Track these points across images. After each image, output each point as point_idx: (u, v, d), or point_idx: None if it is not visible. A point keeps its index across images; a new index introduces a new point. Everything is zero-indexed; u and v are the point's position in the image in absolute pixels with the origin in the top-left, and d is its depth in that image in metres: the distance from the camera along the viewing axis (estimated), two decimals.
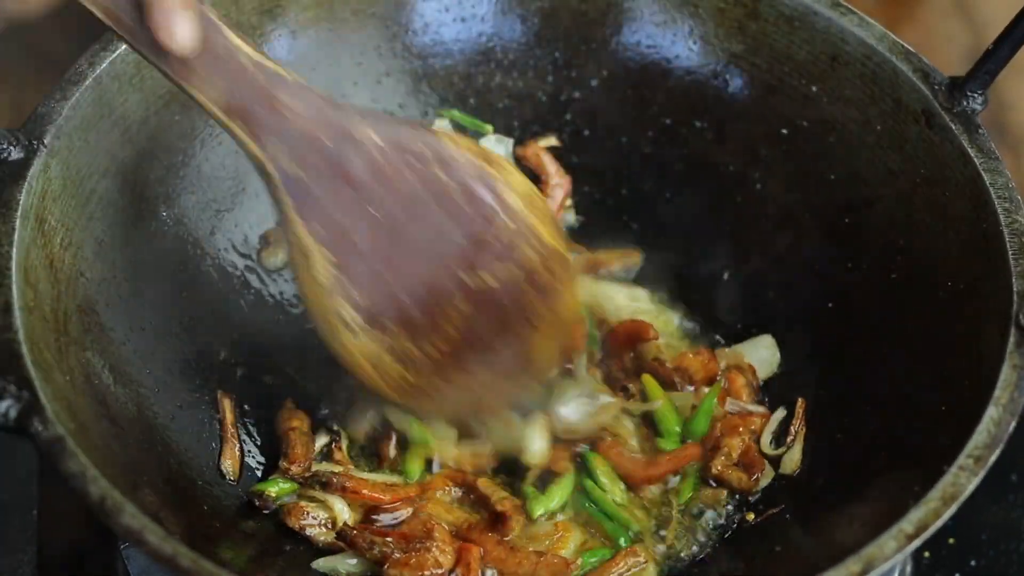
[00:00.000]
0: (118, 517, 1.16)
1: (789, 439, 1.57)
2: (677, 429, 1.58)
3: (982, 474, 1.24)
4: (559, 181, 1.77)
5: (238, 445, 1.55)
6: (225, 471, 1.53)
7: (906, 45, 1.54)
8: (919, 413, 1.41)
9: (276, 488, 1.51)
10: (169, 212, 1.58)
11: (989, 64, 1.45)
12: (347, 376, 1.45)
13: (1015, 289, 1.35)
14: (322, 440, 1.58)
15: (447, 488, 1.54)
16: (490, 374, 1.51)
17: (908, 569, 1.63)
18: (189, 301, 1.59)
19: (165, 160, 1.57)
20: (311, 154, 1.34)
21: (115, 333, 1.45)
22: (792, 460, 1.56)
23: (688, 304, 1.73)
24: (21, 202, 1.34)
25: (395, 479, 1.55)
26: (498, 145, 1.74)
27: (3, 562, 1.55)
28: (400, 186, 1.37)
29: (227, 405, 1.57)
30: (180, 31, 1.22)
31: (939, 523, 1.22)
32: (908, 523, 1.21)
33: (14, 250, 1.31)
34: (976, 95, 1.48)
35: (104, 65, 1.46)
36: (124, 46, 1.47)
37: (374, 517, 1.49)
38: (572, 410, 1.57)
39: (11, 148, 1.36)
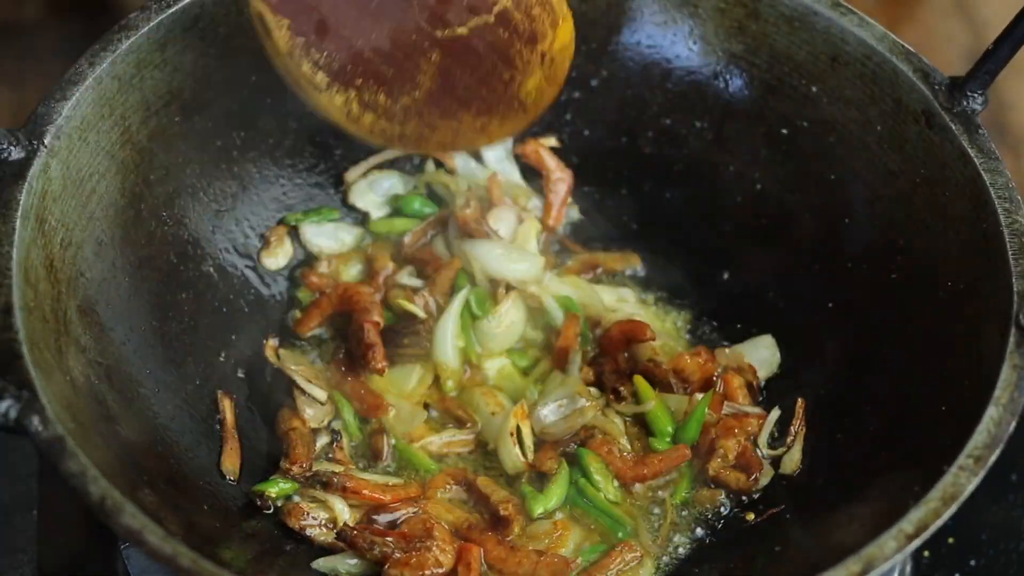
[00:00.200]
0: (118, 517, 1.16)
1: (789, 439, 1.57)
2: (670, 429, 1.58)
3: (982, 474, 1.25)
4: (561, 175, 1.77)
5: (238, 445, 1.55)
6: (225, 471, 1.53)
7: (906, 45, 1.54)
8: (919, 413, 1.41)
9: (276, 488, 1.50)
10: (169, 212, 1.58)
11: (989, 64, 1.45)
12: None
13: (1015, 289, 1.35)
14: (323, 440, 1.58)
15: (448, 487, 1.54)
16: (472, 115, 1.53)
17: (908, 569, 1.63)
18: (189, 301, 1.59)
19: (165, 160, 1.57)
20: None
21: (115, 333, 1.45)
22: (792, 460, 1.56)
23: (688, 304, 1.73)
24: (21, 202, 1.34)
25: (396, 479, 1.55)
26: (496, 144, 1.75)
27: (3, 562, 1.55)
28: None
29: (227, 405, 1.57)
30: None
31: (939, 523, 1.22)
32: (908, 523, 1.21)
33: (14, 250, 1.31)
34: (976, 95, 1.48)
35: (104, 65, 1.46)
36: (124, 46, 1.47)
37: (374, 517, 1.49)
38: (551, 411, 1.57)
39: (11, 148, 1.36)
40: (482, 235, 1.68)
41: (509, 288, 1.66)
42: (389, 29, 1.44)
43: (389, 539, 1.45)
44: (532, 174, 1.78)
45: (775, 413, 1.59)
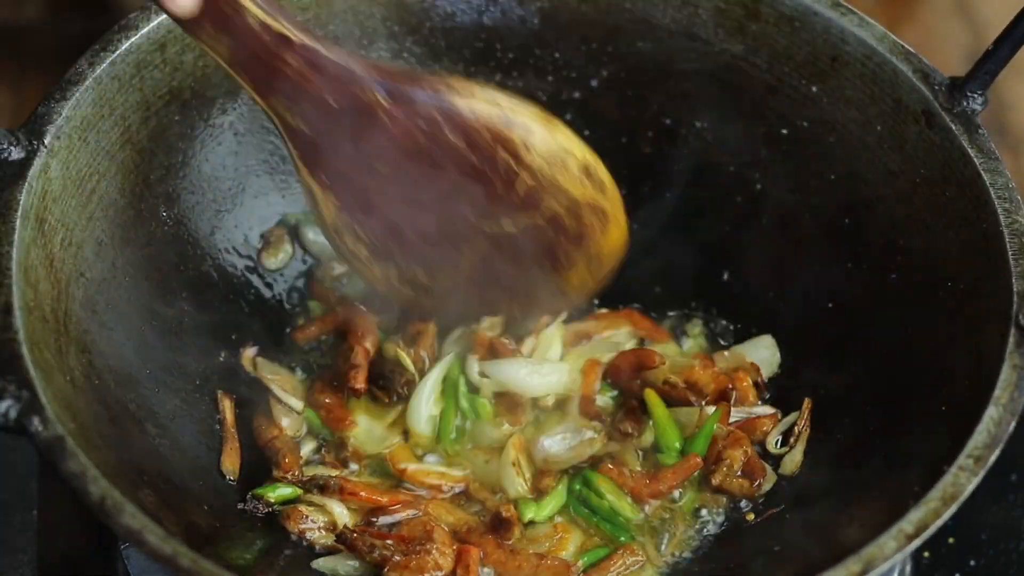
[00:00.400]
0: (118, 517, 1.16)
1: (792, 439, 1.57)
2: (677, 445, 1.56)
3: (982, 474, 1.24)
4: None
5: (238, 445, 1.55)
6: (225, 471, 1.53)
7: (906, 45, 1.54)
8: (919, 413, 1.41)
9: (275, 493, 1.50)
10: (169, 212, 1.58)
11: (989, 64, 1.45)
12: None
13: (1015, 289, 1.35)
14: (309, 445, 1.57)
15: (448, 488, 1.54)
16: (511, 300, 1.58)
17: (908, 569, 1.63)
18: (189, 301, 1.59)
19: (165, 160, 1.57)
20: (315, 113, 1.36)
21: (115, 333, 1.45)
22: (793, 461, 1.56)
23: (687, 304, 1.73)
24: (21, 202, 1.34)
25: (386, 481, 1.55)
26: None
27: (3, 562, 1.55)
28: (408, 144, 1.39)
29: (227, 405, 1.57)
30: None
31: (939, 523, 1.22)
32: (908, 523, 1.21)
33: (14, 250, 1.31)
34: (976, 95, 1.48)
35: (104, 65, 1.46)
36: (124, 46, 1.47)
37: (373, 519, 1.49)
38: (555, 442, 1.56)
39: (11, 148, 1.36)
40: (508, 354, 1.61)
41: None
42: (436, 219, 1.46)
43: (389, 541, 1.45)
44: None
45: (792, 416, 1.58)
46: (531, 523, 1.50)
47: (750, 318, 1.69)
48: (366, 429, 1.59)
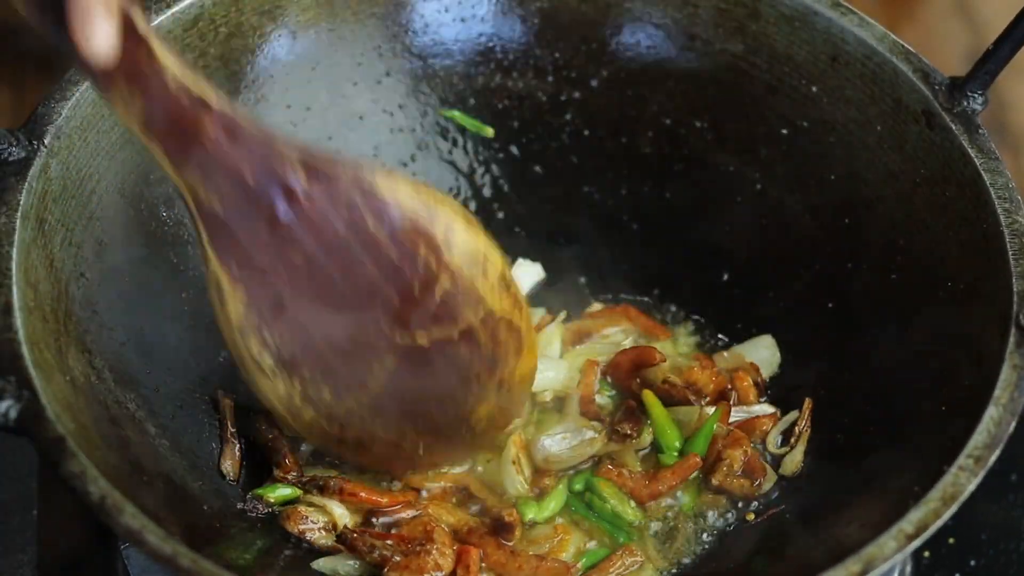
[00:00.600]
0: (118, 517, 1.16)
1: (793, 439, 1.57)
2: (677, 445, 1.56)
3: (982, 474, 1.24)
4: None
5: (238, 445, 1.55)
6: (225, 471, 1.53)
7: (906, 45, 1.54)
8: (919, 413, 1.41)
9: (275, 493, 1.50)
10: (169, 212, 1.58)
11: (989, 64, 1.45)
12: None
13: (1015, 289, 1.35)
14: (309, 446, 1.57)
15: (446, 488, 1.54)
16: (417, 433, 1.46)
17: (908, 569, 1.63)
18: (189, 301, 1.59)
19: None
20: (231, 190, 1.26)
21: (115, 333, 1.45)
22: (794, 461, 1.56)
23: (688, 304, 1.73)
24: (21, 202, 1.34)
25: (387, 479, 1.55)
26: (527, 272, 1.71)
27: (3, 562, 1.55)
28: (327, 232, 1.30)
29: (227, 405, 1.57)
30: (95, 37, 1.14)
31: (939, 523, 1.22)
32: (908, 523, 1.21)
33: (14, 250, 1.31)
34: (976, 95, 1.48)
35: None
36: None
37: (374, 520, 1.49)
38: (555, 442, 1.56)
39: (11, 148, 1.36)
40: None
41: None
42: (348, 324, 1.34)
43: (389, 542, 1.45)
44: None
45: (792, 414, 1.58)
46: (532, 524, 1.50)
47: (750, 318, 1.69)
48: None
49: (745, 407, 1.60)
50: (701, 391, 1.59)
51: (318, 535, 1.48)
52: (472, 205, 1.77)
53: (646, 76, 1.71)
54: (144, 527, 1.16)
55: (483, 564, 1.46)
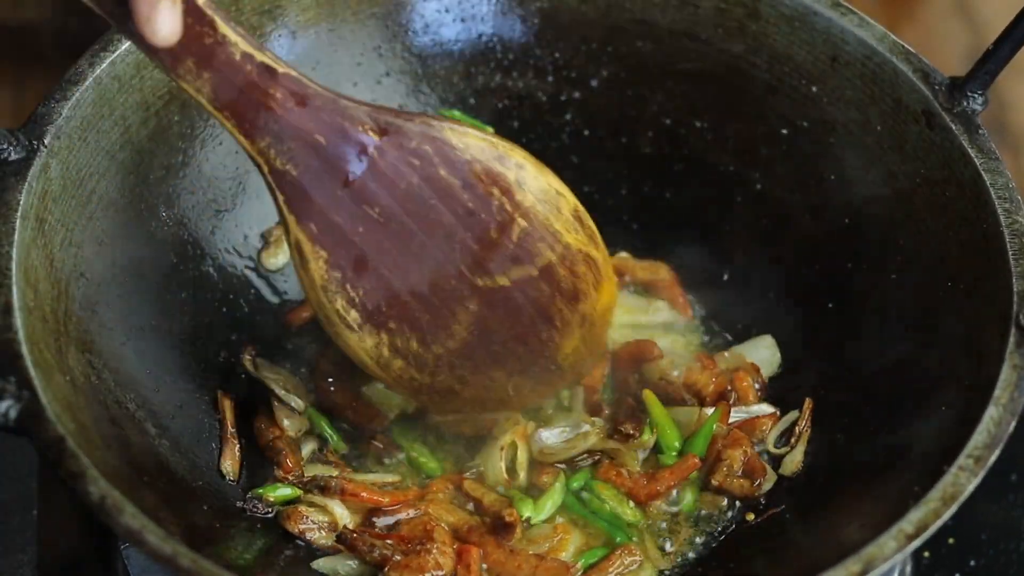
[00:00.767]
0: (118, 517, 1.16)
1: (793, 439, 1.57)
2: (677, 445, 1.56)
3: (982, 474, 1.24)
4: None
5: (238, 445, 1.55)
6: (225, 471, 1.53)
7: (906, 45, 1.54)
8: (919, 413, 1.41)
9: (275, 493, 1.50)
10: (169, 212, 1.58)
11: (989, 64, 1.45)
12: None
13: (1015, 289, 1.35)
14: (309, 446, 1.57)
15: (447, 489, 1.54)
16: (506, 374, 1.48)
17: (908, 569, 1.63)
18: (189, 301, 1.59)
19: (165, 160, 1.57)
20: (303, 152, 1.29)
21: (115, 333, 1.45)
22: (793, 461, 1.56)
23: (687, 304, 1.73)
24: (21, 202, 1.34)
25: (392, 477, 1.55)
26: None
27: (3, 562, 1.55)
28: (401, 185, 1.33)
29: (227, 405, 1.57)
30: (159, 22, 1.17)
31: (939, 523, 1.22)
32: (908, 523, 1.21)
33: (14, 250, 1.31)
34: (976, 95, 1.48)
35: (104, 65, 1.46)
36: (124, 47, 1.47)
37: (374, 519, 1.49)
38: (553, 434, 1.56)
39: (11, 148, 1.36)
40: None
41: None
42: (429, 272, 1.38)
43: (389, 542, 1.45)
44: None
45: (792, 414, 1.58)
46: (529, 523, 1.50)
47: (750, 318, 1.69)
48: (382, 389, 1.59)
49: (745, 407, 1.60)
50: (700, 392, 1.59)
51: (318, 535, 1.48)
52: None
53: (646, 76, 1.71)
54: (144, 527, 1.16)
55: (483, 563, 1.46)
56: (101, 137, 1.47)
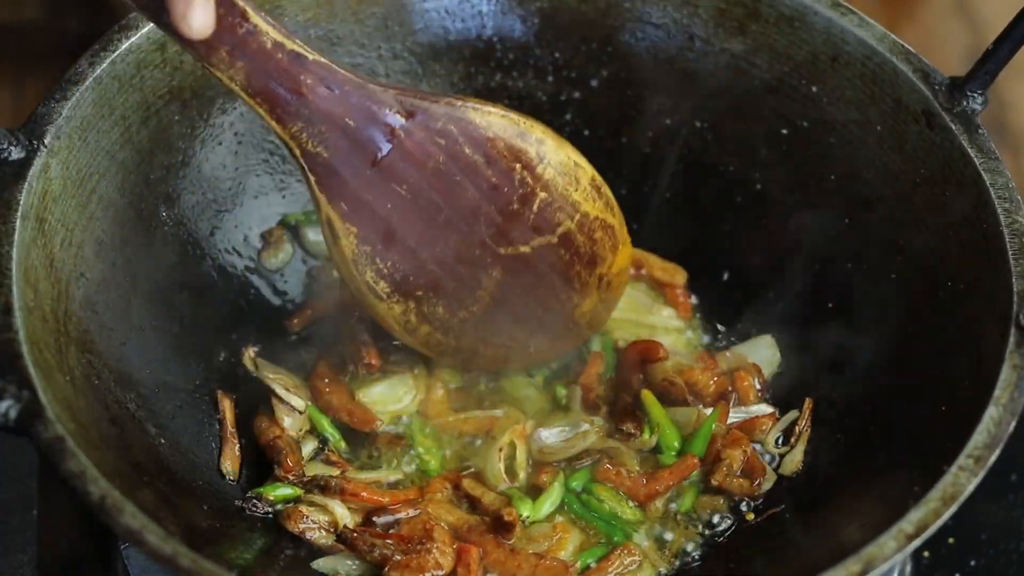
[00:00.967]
0: (118, 517, 1.16)
1: (793, 439, 1.57)
2: (676, 445, 1.56)
3: (982, 474, 1.24)
4: None
5: (238, 445, 1.55)
6: (225, 471, 1.53)
7: (906, 45, 1.54)
8: (919, 413, 1.41)
9: (275, 492, 1.50)
10: (169, 212, 1.58)
11: (989, 64, 1.45)
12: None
13: (1015, 289, 1.35)
14: (310, 445, 1.58)
15: (446, 488, 1.54)
16: (527, 333, 1.56)
17: (908, 569, 1.63)
18: (189, 301, 1.59)
19: (165, 160, 1.57)
20: (334, 134, 1.35)
21: (115, 333, 1.45)
22: (793, 461, 1.56)
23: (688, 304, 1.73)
24: (21, 202, 1.34)
25: (394, 474, 1.55)
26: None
27: (3, 562, 1.55)
28: (427, 164, 1.39)
29: (227, 405, 1.57)
30: (193, 16, 1.22)
31: (939, 523, 1.22)
32: (908, 523, 1.21)
33: (14, 250, 1.31)
34: (976, 95, 1.48)
35: (104, 65, 1.46)
36: (124, 46, 1.47)
37: (374, 519, 1.49)
38: (552, 434, 1.56)
39: (11, 148, 1.36)
40: None
41: None
42: (454, 244, 1.45)
43: (389, 541, 1.45)
44: None
45: (792, 414, 1.58)
46: (527, 522, 1.50)
47: (750, 318, 1.69)
48: (382, 393, 1.61)
49: (745, 407, 1.60)
50: (701, 392, 1.59)
51: (319, 535, 1.48)
52: None
53: (646, 76, 1.71)
54: (144, 527, 1.16)
55: (482, 562, 1.46)
56: (101, 137, 1.47)
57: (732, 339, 1.70)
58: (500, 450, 1.54)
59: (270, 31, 1.29)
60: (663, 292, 1.73)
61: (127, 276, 1.50)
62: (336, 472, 1.54)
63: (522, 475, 1.55)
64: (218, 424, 1.56)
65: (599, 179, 1.51)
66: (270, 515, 1.49)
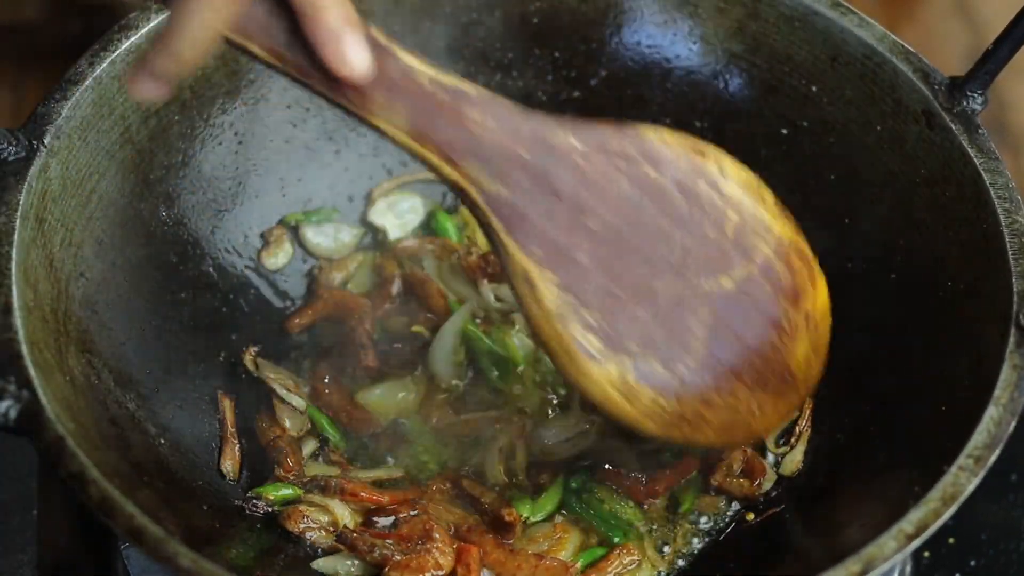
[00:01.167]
0: (118, 517, 1.16)
1: (793, 439, 1.57)
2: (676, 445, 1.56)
3: (982, 474, 1.24)
4: None
5: (238, 445, 1.55)
6: (225, 471, 1.53)
7: (906, 45, 1.54)
8: (919, 413, 1.41)
9: (275, 492, 1.50)
10: (169, 212, 1.58)
11: (989, 64, 1.45)
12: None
13: (1015, 289, 1.35)
14: (311, 446, 1.58)
15: (446, 488, 1.54)
16: (748, 390, 1.37)
17: (908, 569, 1.63)
18: (189, 301, 1.59)
19: (165, 160, 1.57)
20: (512, 169, 1.24)
21: (115, 333, 1.45)
22: (793, 461, 1.56)
23: None
24: (21, 202, 1.34)
25: (395, 471, 1.55)
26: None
27: (3, 562, 1.55)
28: (612, 191, 1.28)
29: (227, 405, 1.57)
30: (352, 55, 1.14)
31: (939, 523, 1.22)
32: (908, 523, 1.21)
33: (14, 250, 1.31)
34: (976, 95, 1.48)
35: (104, 65, 1.46)
36: (124, 46, 1.47)
37: (374, 519, 1.49)
38: (552, 434, 1.57)
39: (11, 148, 1.36)
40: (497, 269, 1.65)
41: None
42: (656, 283, 1.30)
43: (389, 541, 1.45)
44: None
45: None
46: (528, 522, 1.50)
47: None
48: (381, 396, 1.61)
49: None
50: None
51: (319, 535, 1.48)
52: None
53: (646, 76, 1.71)
54: (144, 527, 1.16)
55: (482, 562, 1.46)
56: (101, 137, 1.47)
57: None
58: (500, 450, 1.54)
59: (424, 68, 1.20)
60: None
61: (127, 276, 1.50)
62: (336, 472, 1.54)
63: (521, 475, 1.55)
64: (218, 424, 1.56)
65: (780, 202, 1.38)
66: (270, 515, 1.49)
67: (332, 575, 1.45)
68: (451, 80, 1.22)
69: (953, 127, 1.47)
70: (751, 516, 1.54)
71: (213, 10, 1.10)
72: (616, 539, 1.50)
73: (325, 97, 1.19)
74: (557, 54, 1.73)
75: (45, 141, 1.39)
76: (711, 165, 1.31)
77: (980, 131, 1.46)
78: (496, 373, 1.62)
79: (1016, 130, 2.34)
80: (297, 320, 1.67)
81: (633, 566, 1.48)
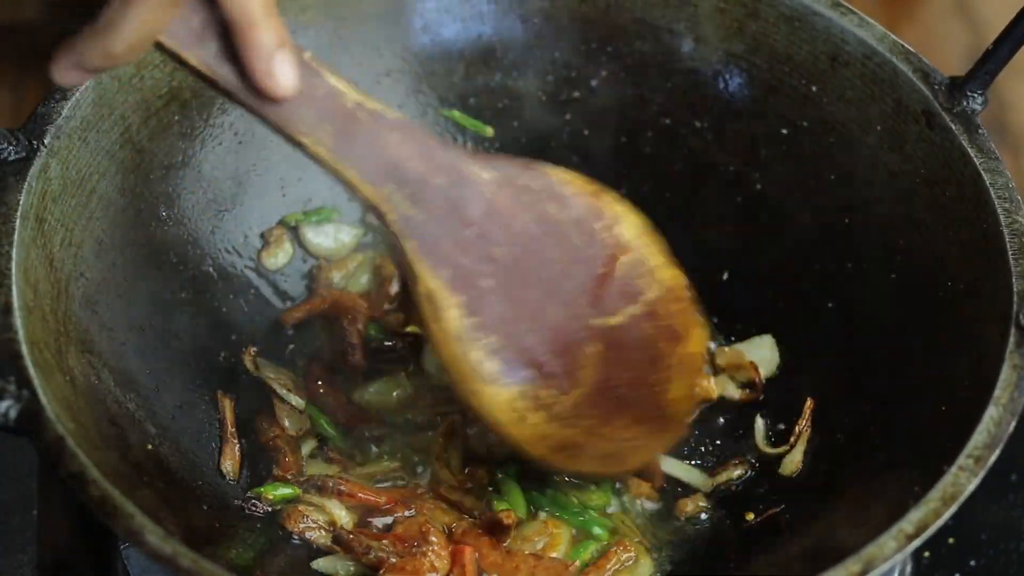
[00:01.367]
0: (118, 517, 1.16)
1: (793, 439, 1.57)
2: None
3: (982, 474, 1.24)
4: None
5: (238, 445, 1.55)
6: (225, 471, 1.53)
7: (906, 45, 1.54)
8: (919, 413, 1.41)
9: (274, 492, 1.50)
10: (169, 212, 1.58)
11: (989, 64, 1.45)
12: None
13: (1015, 289, 1.35)
14: (309, 445, 1.58)
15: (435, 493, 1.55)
16: (626, 424, 1.44)
17: (908, 569, 1.63)
18: (189, 301, 1.59)
19: (165, 160, 1.57)
20: (427, 194, 1.30)
21: (115, 333, 1.45)
22: (793, 461, 1.56)
23: None
24: (21, 202, 1.34)
25: (391, 464, 1.55)
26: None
27: (3, 562, 1.55)
28: (516, 224, 1.34)
29: (227, 405, 1.57)
30: (280, 73, 1.18)
31: (939, 523, 1.22)
32: (908, 523, 1.21)
33: (14, 250, 1.31)
34: (976, 95, 1.48)
35: None
36: None
37: (370, 520, 1.49)
38: (478, 432, 1.56)
39: (11, 148, 1.36)
40: None
41: None
42: (552, 314, 1.36)
43: (385, 543, 1.45)
44: None
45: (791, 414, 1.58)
46: (518, 521, 1.50)
47: (750, 318, 1.69)
48: (376, 393, 1.61)
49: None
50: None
51: (318, 534, 1.48)
52: None
53: (646, 76, 1.71)
54: (144, 527, 1.16)
55: (480, 565, 1.45)
56: (101, 137, 1.47)
57: (732, 339, 1.70)
58: (440, 455, 1.54)
59: (349, 91, 1.25)
60: None
61: (127, 276, 1.50)
62: (335, 470, 1.54)
63: (457, 473, 1.54)
64: (218, 424, 1.56)
65: (667, 251, 1.45)
66: (270, 515, 1.49)
67: (332, 575, 1.45)
68: (375, 105, 1.27)
69: (953, 127, 1.47)
70: (750, 516, 1.54)
71: (150, 11, 1.13)
72: (596, 529, 1.50)
73: (251, 111, 1.23)
74: (557, 54, 1.73)
75: (45, 141, 1.39)
76: (607, 208, 1.39)
77: (980, 131, 1.46)
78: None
79: (1016, 130, 2.35)
80: (292, 314, 1.67)
81: (631, 562, 1.48)
